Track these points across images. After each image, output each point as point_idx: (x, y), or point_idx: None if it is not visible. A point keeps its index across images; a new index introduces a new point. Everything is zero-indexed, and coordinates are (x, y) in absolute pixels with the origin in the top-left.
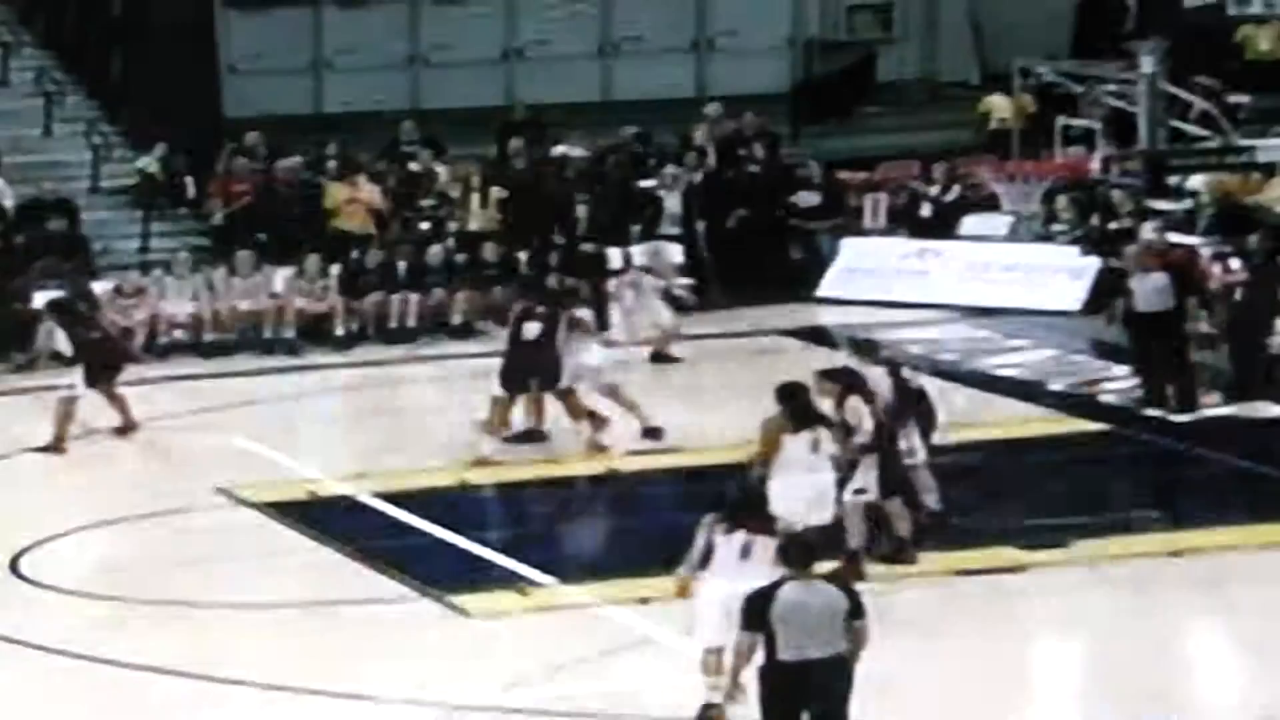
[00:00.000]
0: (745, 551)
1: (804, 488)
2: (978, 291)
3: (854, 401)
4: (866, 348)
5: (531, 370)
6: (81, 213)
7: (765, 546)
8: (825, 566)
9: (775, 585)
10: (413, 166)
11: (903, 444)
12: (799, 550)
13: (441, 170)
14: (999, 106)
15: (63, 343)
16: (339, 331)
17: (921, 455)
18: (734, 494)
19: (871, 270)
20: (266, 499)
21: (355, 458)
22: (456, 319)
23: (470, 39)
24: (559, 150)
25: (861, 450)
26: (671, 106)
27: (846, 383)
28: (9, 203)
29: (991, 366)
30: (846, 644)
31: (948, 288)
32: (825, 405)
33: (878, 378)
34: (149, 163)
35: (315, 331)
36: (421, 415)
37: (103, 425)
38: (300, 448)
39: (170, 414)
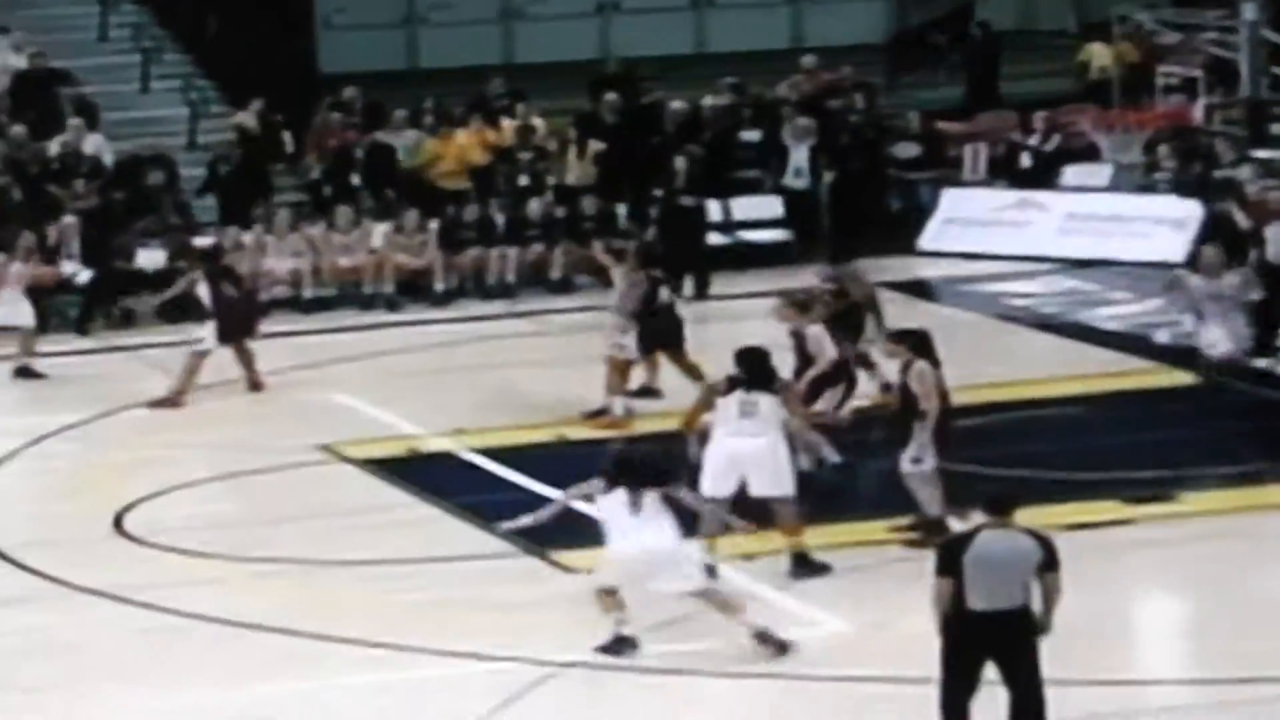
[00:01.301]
0: (635, 506)
1: (720, 454)
2: (1079, 243)
3: (921, 366)
4: (803, 302)
5: (666, 334)
6: (179, 168)
7: (653, 498)
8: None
9: (972, 532)
10: (505, 121)
11: (821, 404)
12: (997, 499)
13: (539, 124)
14: (1099, 55)
15: (205, 295)
16: (438, 287)
17: (842, 414)
18: (609, 457)
19: (972, 221)
20: (367, 455)
21: (455, 414)
22: (555, 274)
23: None
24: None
25: (916, 417)
26: (767, 58)
27: (914, 346)
28: (108, 159)
29: (1093, 319)
30: (1037, 596)
31: (1048, 239)
32: (891, 367)
33: (818, 334)
34: (246, 118)
35: (414, 287)
36: (520, 370)
37: (207, 381)
38: (400, 404)
39: (271, 370)
